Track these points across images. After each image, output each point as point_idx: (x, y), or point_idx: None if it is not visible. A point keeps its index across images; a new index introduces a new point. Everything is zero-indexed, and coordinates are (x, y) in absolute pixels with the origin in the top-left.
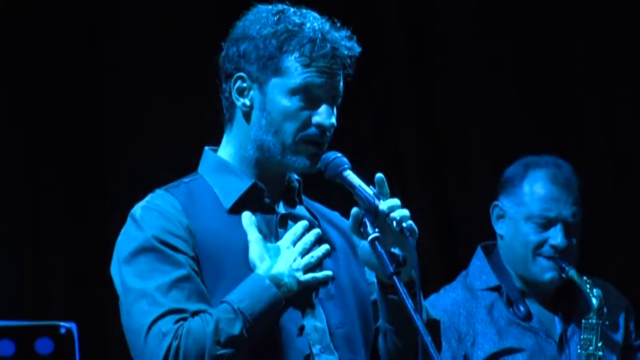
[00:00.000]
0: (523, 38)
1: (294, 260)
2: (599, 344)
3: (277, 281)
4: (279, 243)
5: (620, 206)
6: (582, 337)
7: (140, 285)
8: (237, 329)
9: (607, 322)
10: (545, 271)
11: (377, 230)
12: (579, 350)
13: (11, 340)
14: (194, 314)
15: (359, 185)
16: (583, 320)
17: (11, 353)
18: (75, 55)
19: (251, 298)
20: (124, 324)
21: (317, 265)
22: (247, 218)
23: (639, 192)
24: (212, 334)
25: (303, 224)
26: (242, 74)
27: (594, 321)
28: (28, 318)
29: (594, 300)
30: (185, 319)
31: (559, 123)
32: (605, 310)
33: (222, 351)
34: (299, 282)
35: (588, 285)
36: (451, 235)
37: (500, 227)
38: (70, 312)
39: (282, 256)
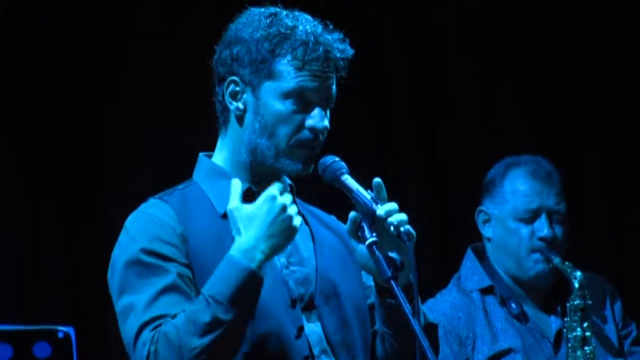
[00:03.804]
0: (524, 45)
1: (271, 220)
2: (585, 325)
3: (249, 253)
4: (253, 207)
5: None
6: (566, 319)
7: (129, 299)
8: (207, 316)
9: (589, 302)
10: (535, 265)
11: (374, 234)
12: (565, 332)
13: (9, 344)
14: (174, 317)
15: (357, 190)
16: (567, 304)
17: (9, 357)
18: (75, 64)
19: (223, 281)
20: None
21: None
22: (236, 184)
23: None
24: (183, 327)
25: (277, 185)
26: (235, 77)
27: (576, 302)
28: (26, 322)
29: (575, 282)
30: (162, 324)
31: (558, 127)
32: (587, 291)
33: (200, 341)
34: (273, 245)
35: (569, 269)
36: (450, 241)
37: (487, 231)
38: (69, 317)
39: (255, 222)
